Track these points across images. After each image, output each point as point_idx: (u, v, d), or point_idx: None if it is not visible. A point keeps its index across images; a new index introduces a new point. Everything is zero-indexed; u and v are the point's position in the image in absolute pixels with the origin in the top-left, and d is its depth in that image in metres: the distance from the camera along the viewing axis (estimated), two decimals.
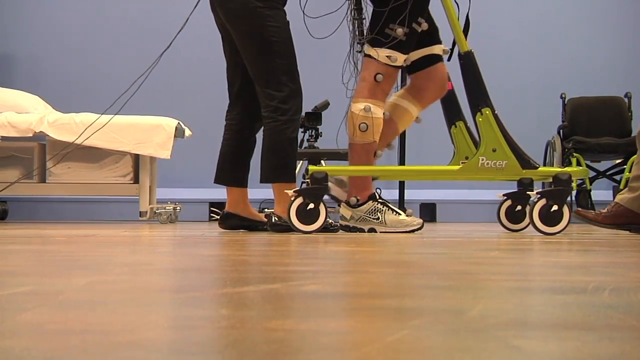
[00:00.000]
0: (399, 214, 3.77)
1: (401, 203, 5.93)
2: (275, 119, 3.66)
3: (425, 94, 3.90)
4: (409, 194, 5.99)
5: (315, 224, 3.59)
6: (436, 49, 3.86)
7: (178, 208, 5.56)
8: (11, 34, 6.41)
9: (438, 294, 1.33)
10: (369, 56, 3.73)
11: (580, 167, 3.97)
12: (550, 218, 3.59)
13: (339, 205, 3.99)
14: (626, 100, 6.37)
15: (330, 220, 3.75)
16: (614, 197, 6.08)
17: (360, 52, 3.88)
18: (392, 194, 6.30)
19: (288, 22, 3.72)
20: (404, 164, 5.98)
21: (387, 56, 3.69)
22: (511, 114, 4.01)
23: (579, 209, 4.49)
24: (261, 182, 3.79)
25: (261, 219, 3.95)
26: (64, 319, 1.00)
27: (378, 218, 3.73)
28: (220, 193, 6.73)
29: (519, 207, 3.87)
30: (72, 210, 6.30)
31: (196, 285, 1.41)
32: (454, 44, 3.79)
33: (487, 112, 3.68)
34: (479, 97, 3.70)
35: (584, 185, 6.03)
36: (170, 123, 5.21)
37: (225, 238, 3.25)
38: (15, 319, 1.00)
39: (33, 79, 6.34)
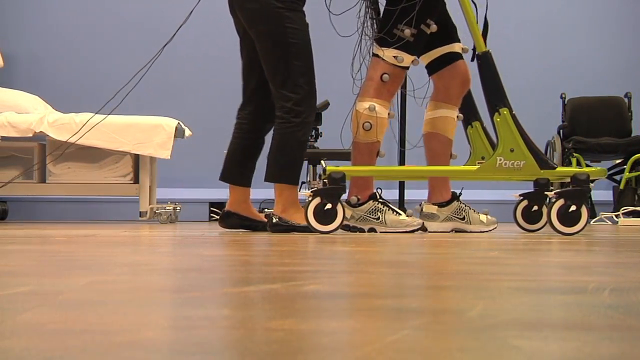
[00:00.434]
0: (399, 214, 3.79)
1: (401, 203, 5.93)
2: (288, 120, 3.66)
3: (451, 91, 3.92)
4: (409, 194, 5.99)
5: (333, 224, 3.60)
6: (456, 47, 3.88)
7: (178, 208, 5.56)
8: (11, 34, 6.41)
9: (438, 294, 1.33)
10: (377, 56, 3.74)
11: (599, 168, 3.97)
12: (568, 218, 3.58)
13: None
14: (626, 100, 6.37)
15: None
16: (613, 197, 6.10)
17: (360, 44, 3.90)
18: (392, 194, 6.30)
19: (307, 24, 3.73)
20: (404, 164, 5.99)
21: (394, 56, 3.69)
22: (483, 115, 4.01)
23: None
24: (265, 180, 3.79)
25: (261, 219, 3.95)
26: (64, 319, 1.00)
27: (378, 218, 3.74)
28: (220, 193, 6.74)
29: (535, 207, 3.86)
30: (72, 210, 6.30)
31: (196, 285, 1.41)
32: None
33: (505, 112, 3.69)
34: (496, 97, 3.71)
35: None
36: (170, 123, 5.21)
37: (225, 238, 3.25)
38: (15, 319, 1.00)
39: (33, 79, 6.34)
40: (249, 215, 3.95)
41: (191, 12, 3.79)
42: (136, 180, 5.23)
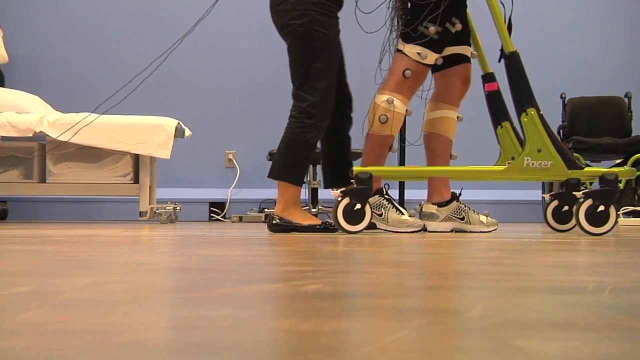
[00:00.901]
0: (402, 213, 3.79)
1: (401, 203, 5.93)
2: (300, 120, 3.68)
3: (453, 92, 3.93)
4: (409, 194, 5.99)
5: (361, 224, 3.61)
6: (466, 50, 3.88)
7: (178, 208, 5.56)
8: (11, 34, 6.41)
9: (438, 294, 1.33)
10: (400, 51, 3.74)
11: (628, 168, 3.96)
12: (596, 218, 3.58)
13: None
14: (626, 100, 6.37)
15: (329, 221, 3.77)
16: None
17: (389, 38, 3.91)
18: (392, 194, 6.29)
19: (339, 30, 3.76)
20: (404, 163, 5.99)
21: (417, 53, 3.70)
22: (511, 114, 4.00)
23: None
24: (268, 176, 3.80)
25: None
26: (64, 319, 1.00)
27: (381, 214, 3.75)
28: (220, 193, 6.75)
29: (565, 208, 3.84)
30: (72, 210, 6.30)
31: (196, 285, 1.41)
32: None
33: (532, 112, 3.69)
34: (524, 97, 3.71)
35: (584, 185, 6.03)
36: (170, 123, 5.21)
37: (225, 238, 3.25)
38: (15, 319, 1.00)
39: (33, 79, 6.34)
40: None
41: (202, 17, 3.80)
42: (136, 180, 5.23)
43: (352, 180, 3.71)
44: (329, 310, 1.10)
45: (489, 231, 3.90)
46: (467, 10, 3.88)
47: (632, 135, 6.24)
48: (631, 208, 5.74)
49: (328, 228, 3.69)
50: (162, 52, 6.82)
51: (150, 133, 5.14)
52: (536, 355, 0.79)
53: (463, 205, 3.92)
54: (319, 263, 1.99)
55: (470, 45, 3.92)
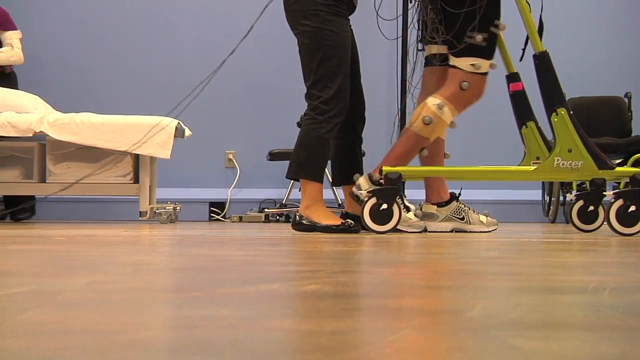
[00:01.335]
0: (408, 210, 3.79)
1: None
2: (313, 117, 3.70)
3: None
4: (409, 194, 6.00)
5: (389, 224, 3.61)
6: None
7: (178, 208, 5.56)
8: None
9: (438, 294, 1.33)
10: (454, 67, 3.73)
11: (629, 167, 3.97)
12: (627, 218, 3.59)
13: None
14: (626, 100, 6.37)
15: (350, 221, 3.73)
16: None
17: (421, 50, 3.91)
18: None
19: (349, 32, 3.79)
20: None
21: (471, 64, 3.69)
22: (512, 114, 4.00)
23: None
24: (286, 176, 3.81)
25: None
26: (64, 319, 1.00)
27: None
28: (220, 193, 6.75)
29: (591, 208, 3.83)
30: (72, 210, 6.30)
31: (196, 285, 1.41)
32: (525, 43, 3.81)
33: (563, 112, 3.69)
34: (554, 97, 3.71)
35: (584, 185, 6.03)
36: (170, 123, 5.21)
37: (225, 238, 3.25)
38: (15, 319, 1.00)
39: (33, 79, 6.34)
40: None
41: (254, 22, 3.81)
42: (136, 180, 5.23)
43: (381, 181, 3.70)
44: (329, 310, 1.10)
45: (489, 231, 3.90)
46: None
47: (632, 135, 6.24)
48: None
49: (346, 229, 3.66)
50: (162, 52, 6.83)
51: (150, 133, 5.13)
52: (536, 355, 0.79)
53: (463, 205, 3.92)
54: (319, 263, 1.99)
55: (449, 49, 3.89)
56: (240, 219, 6.15)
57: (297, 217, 3.73)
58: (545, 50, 3.75)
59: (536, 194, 6.51)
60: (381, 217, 3.61)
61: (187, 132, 5.37)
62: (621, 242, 3.06)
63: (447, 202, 3.92)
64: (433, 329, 0.95)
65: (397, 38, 3.89)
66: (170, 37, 6.74)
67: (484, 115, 6.05)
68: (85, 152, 5.18)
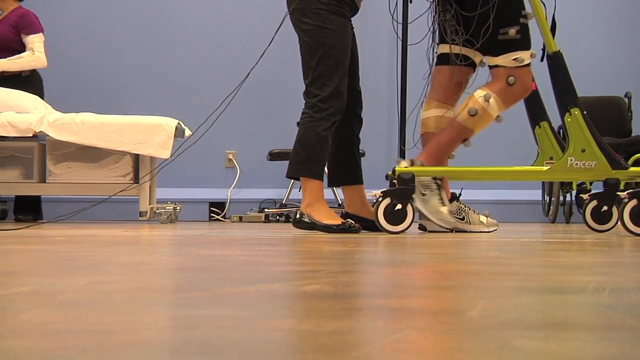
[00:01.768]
0: (444, 204, 3.79)
1: None
2: (310, 115, 3.71)
3: (447, 90, 3.92)
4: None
5: (403, 224, 3.61)
6: (477, 56, 3.85)
7: (178, 208, 5.56)
8: None
9: (438, 294, 1.33)
10: (495, 66, 3.73)
11: None
12: None
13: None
14: (626, 100, 6.37)
15: (350, 221, 3.73)
16: None
17: (432, 48, 3.91)
18: None
19: (349, 32, 3.80)
20: None
21: (513, 59, 3.69)
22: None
23: None
24: (287, 176, 3.82)
25: None
26: (64, 319, 1.00)
27: (427, 201, 3.76)
28: (220, 193, 6.75)
29: (605, 208, 3.82)
30: (72, 210, 6.30)
31: (196, 285, 1.41)
32: (544, 45, 3.81)
33: (576, 112, 3.69)
34: (567, 97, 3.71)
35: (584, 185, 6.04)
36: (170, 123, 5.21)
37: (225, 238, 3.25)
38: (15, 319, 1.00)
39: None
40: (367, 215, 3.91)
41: (278, 29, 3.82)
42: (136, 180, 5.23)
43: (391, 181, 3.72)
44: (329, 310, 1.10)
45: (489, 231, 3.89)
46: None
47: (632, 135, 6.24)
48: None
49: (347, 229, 3.66)
50: (163, 52, 6.83)
51: (150, 133, 5.14)
52: (536, 355, 0.79)
53: (463, 206, 3.92)
54: (319, 263, 1.99)
55: (482, 52, 3.88)
56: (240, 219, 6.15)
57: (297, 214, 3.73)
58: (559, 50, 3.75)
59: (536, 194, 6.51)
60: (395, 217, 3.61)
61: (187, 132, 5.37)
62: (621, 242, 3.06)
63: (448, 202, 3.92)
64: (433, 329, 0.95)
65: (417, 43, 3.89)
66: (170, 37, 6.74)
67: None
68: (85, 152, 5.18)
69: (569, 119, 3.70)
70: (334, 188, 5.74)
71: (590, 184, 6.12)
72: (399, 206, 3.61)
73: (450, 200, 3.93)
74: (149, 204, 5.23)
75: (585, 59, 6.80)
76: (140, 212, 5.15)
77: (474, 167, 3.96)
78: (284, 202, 6.22)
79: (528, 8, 3.78)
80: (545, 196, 6.38)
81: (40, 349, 0.80)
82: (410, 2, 5.22)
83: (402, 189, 3.64)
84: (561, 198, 6.14)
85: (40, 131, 5.09)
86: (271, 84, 6.56)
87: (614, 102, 6.38)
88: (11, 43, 5.52)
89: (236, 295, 1.28)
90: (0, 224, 4.99)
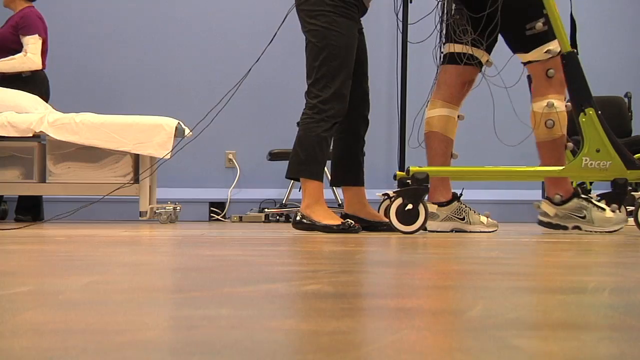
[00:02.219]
0: (604, 209, 3.79)
1: None
2: (311, 116, 3.72)
3: (453, 90, 3.93)
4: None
5: (415, 224, 3.61)
6: (484, 56, 3.86)
7: (178, 208, 5.56)
8: None
9: (438, 294, 1.33)
10: (529, 62, 3.74)
11: None
12: None
13: (338, 206, 4.00)
14: (626, 100, 6.37)
15: (350, 221, 3.74)
16: None
17: (439, 47, 3.91)
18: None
19: (356, 35, 3.80)
20: (403, 168, 5.99)
21: (545, 52, 3.71)
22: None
23: None
24: (286, 176, 3.83)
25: (381, 219, 3.96)
26: (64, 319, 1.00)
27: (584, 216, 3.75)
28: (220, 193, 6.75)
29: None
30: (72, 210, 6.29)
31: (196, 285, 1.41)
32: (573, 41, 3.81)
33: (591, 112, 3.70)
34: (582, 97, 3.72)
35: (584, 185, 6.04)
36: (170, 123, 5.21)
37: (225, 238, 3.25)
38: (15, 319, 1.00)
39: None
40: (365, 216, 3.94)
41: (279, 27, 3.83)
42: (136, 180, 5.24)
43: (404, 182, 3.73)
44: (329, 310, 1.10)
45: (489, 232, 3.90)
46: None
47: (632, 135, 6.24)
48: (631, 208, 5.74)
49: (346, 229, 3.66)
50: (163, 52, 6.83)
51: (150, 133, 5.14)
52: (536, 355, 0.79)
53: (464, 206, 3.92)
54: (319, 263, 1.99)
55: (489, 51, 3.88)
56: (240, 219, 6.15)
57: (297, 215, 3.73)
58: (573, 50, 3.75)
59: (536, 194, 6.51)
60: (408, 217, 3.61)
61: (187, 132, 5.37)
62: (621, 242, 3.06)
63: (449, 202, 3.92)
64: (433, 329, 0.95)
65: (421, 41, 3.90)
66: (171, 37, 6.74)
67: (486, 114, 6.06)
68: (85, 152, 5.18)
69: (584, 119, 3.70)
70: (334, 188, 5.75)
71: (590, 184, 6.13)
72: (410, 206, 3.61)
73: (451, 201, 3.93)
74: (149, 204, 5.23)
75: (585, 59, 6.78)
76: (140, 212, 5.15)
77: (483, 167, 3.97)
78: (284, 202, 6.22)
79: None
80: (545, 196, 6.38)
81: (40, 349, 0.80)
82: (410, 2, 5.23)
83: (414, 189, 3.64)
84: None
85: (40, 131, 5.09)
86: (271, 84, 6.56)
87: (614, 102, 6.38)
88: (10, 44, 5.52)
89: (236, 295, 1.28)
90: (0, 224, 4.99)
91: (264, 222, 5.96)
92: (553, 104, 3.70)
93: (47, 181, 5.23)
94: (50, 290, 1.32)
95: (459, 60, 3.84)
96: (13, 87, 5.38)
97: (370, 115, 4.07)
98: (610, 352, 0.81)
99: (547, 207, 3.78)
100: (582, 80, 3.72)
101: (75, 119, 5.12)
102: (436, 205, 3.93)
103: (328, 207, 3.81)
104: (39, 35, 5.57)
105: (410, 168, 3.71)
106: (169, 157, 5.10)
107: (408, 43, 6.19)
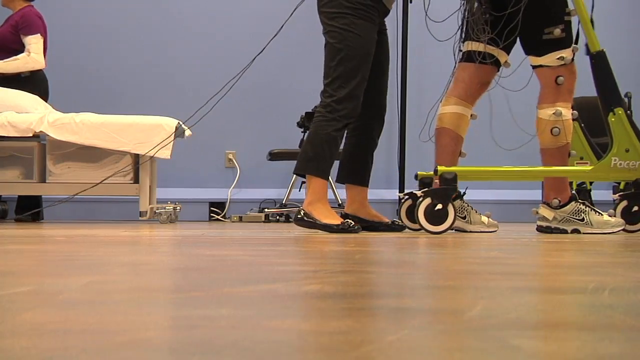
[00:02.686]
0: (601, 214, 3.78)
1: None
2: (323, 115, 3.74)
3: (469, 89, 3.90)
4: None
5: (444, 224, 3.60)
6: (502, 56, 3.84)
7: (178, 208, 5.56)
8: None
9: (438, 294, 1.33)
10: (539, 67, 3.72)
11: None
12: None
13: (338, 206, 4.00)
14: (626, 100, 6.36)
15: (349, 221, 3.73)
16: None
17: (461, 50, 3.90)
18: (391, 194, 6.30)
19: (374, 37, 3.81)
20: (403, 167, 5.99)
21: (557, 58, 3.69)
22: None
23: None
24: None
25: (380, 219, 3.96)
26: (64, 319, 1.00)
27: (583, 219, 3.74)
28: (220, 193, 6.75)
29: (635, 208, 3.81)
30: (72, 210, 6.30)
31: (196, 285, 1.41)
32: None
33: (620, 112, 3.69)
34: (611, 97, 3.71)
35: (584, 185, 6.03)
36: (170, 123, 5.21)
37: (225, 238, 3.25)
38: (15, 319, 1.00)
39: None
40: (365, 216, 3.94)
41: (286, 21, 3.84)
42: (136, 180, 5.24)
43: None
44: (330, 310, 1.10)
45: (489, 232, 3.89)
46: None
47: None
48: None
49: (346, 229, 3.66)
50: (163, 52, 6.83)
51: (150, 133, 5.14)
52: (536, 355, 0.79)
53: (466, 205, 3.92)
54: (319, 263, 1.99)
55: (507, 51, 3.86)
56: (240, 219, 6.15)
57: (299, 212, 3.74)
58: (603, 50, 3.74)
59: (536, 194, 6.51)
60: (436, 217, 3.60)
61: (187, 132, 5.37)
62: (621, 242, 3.06)
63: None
64: (433, 329, 0.95)
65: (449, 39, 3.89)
66: (171, 37, 6.74)
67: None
68: (85, 152, 5.18)
69: (613, 119, 3.69)
70: (335, 188, 5.75)
71: (591, 184, 6.12)
72: (439, 206, 3.60)
73: (454, 199, 3.92)
74: (149, 204, 5.23)
75: (585, 59, 6.79)
76: (140, 212, 5.16)
77: (511, 167, 3.99)
78: (284, 202, 6.22)
79: (571, 5, 3.78)
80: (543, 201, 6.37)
81: (40, 349, 0.80)
82: (410, 2, 5.23)
83: (443, 189, 3.63)
84: None
85: (40, 131, 5.09)
86: (271, 84, 6.56)
87: None
88: (11, 43, 5.51)
89: (236, 295, 1.28)
90: (0, 224, 4.99)
91: (264, 222, 5.96)
92: (561, 113, 3.69)
93: (47, 181, 5.23)
94: (50, 290, 1.32)
95: (476, 59, 3.83)
96: (11, 87, 5.37)
97: None
98: (610, 352, 0.81)
99: (545, 212, 3.77)
100: (612, 80, 3.72)
101: (75, 118, 5.12)
102: None
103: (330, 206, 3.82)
104: (40, 35, 5.57)
105: (439, 168, 3.70)
106: (169, 157, 5.11)
107: (408, 43, 6.19)
